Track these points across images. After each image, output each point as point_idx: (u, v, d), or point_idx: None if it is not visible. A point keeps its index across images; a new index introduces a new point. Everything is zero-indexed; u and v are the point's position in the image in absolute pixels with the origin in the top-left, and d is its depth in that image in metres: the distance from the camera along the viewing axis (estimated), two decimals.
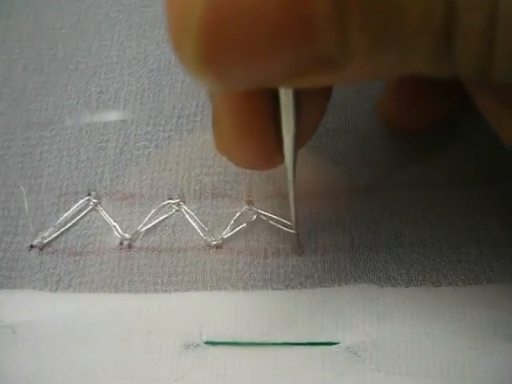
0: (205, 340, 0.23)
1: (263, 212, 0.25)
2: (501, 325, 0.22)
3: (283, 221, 0.25)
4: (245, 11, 0.12)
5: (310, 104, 0.19)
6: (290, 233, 0.24)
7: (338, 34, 0.13)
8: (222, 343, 0.23)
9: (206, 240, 0.25)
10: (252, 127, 0.19)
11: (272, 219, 0.25)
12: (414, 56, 0.14)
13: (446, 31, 0.13)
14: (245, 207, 0.25)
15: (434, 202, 0.25)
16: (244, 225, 0.25)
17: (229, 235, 0.25)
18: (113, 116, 0.27)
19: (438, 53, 0.14)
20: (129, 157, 0.27)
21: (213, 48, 0.13)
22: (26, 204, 0.26)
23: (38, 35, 0.30)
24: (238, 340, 0.23)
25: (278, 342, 0.22)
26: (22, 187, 0.27)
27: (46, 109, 0.28)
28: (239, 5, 0.12)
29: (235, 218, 0.25)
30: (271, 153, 0.20)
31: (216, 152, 0.24)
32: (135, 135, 0.27)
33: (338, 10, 0.13)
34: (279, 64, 0.14)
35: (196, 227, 0.25)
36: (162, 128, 0.27)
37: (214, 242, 0.25)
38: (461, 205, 0.25)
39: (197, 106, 0.27)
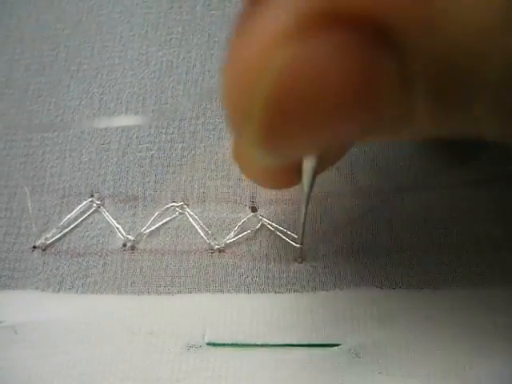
0: (207, 341, 0.23)
1: (268, 221, 0.25)
2: (501, 328, 0.22)
3: (288, 232, 0.25)
4: (312, 84, 0.12)
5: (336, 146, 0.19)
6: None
7: (403, 105, 0.13)
8: (223, 345, 0.23)
9: (209, 244, 0.25)
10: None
11: (277, 229, 0.25)
12: (481, 124, 0.14)
13: None
14: (249, 214, 0.25)
15: (434, 205, 0.25)
16: (248, 231, 0.25)
17: (232, 240, 0.25)
18: (129, 120, 0.27)
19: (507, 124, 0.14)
20: (131, 159, 0.27)
21: (276, 130, 0.13)
22: (29, 205, 0.26)
23: (39, 36, 0.30)
24: (239, 341, 0.23)
25: (280, 343, 0.23)
26: (25, 188, 0.27)
27: (49, 109, 0.28)
28: (307, 79, 0.12)
29: (240, 223, 0.25)
30: (288, 176, 0.20)
31: (228, 159, 0.25)
32: (137, 137, 0.27)
33: (406, 82, 0.13)
34: (340, 134, 0.14)
35: (199, 230, 0.25)
36: (164, 130, 0.27)
37: (217, 246, 0.25)
38: (461, 208, 0.25)
39: (198, 109, 0.27)
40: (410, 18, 0.11)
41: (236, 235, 0.25)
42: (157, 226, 0.25)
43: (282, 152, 0.14)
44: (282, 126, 0.13)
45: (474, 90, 0.13)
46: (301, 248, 0.24)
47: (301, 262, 0.24)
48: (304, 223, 0.22)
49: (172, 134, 0.27)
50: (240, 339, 0.23)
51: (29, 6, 0.31)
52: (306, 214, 0.21)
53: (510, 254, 0.23)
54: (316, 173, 0.19)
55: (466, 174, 0.25)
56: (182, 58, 0.28)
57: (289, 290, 0.24)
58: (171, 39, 0.29)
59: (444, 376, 0.21)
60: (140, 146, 0.27)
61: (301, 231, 0.23)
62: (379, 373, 0.22)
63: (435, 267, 0.24)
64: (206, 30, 0.29)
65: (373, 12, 0.11)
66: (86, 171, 0.27)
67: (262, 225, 0.25)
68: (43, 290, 0.24)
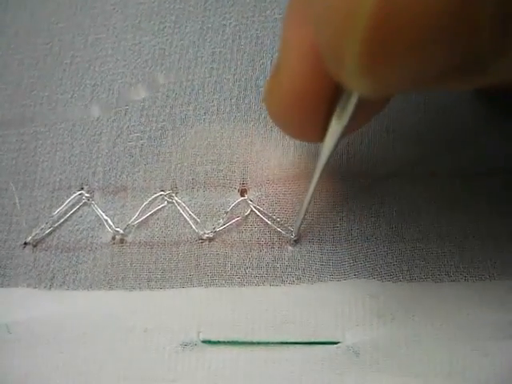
0: (202, 339, 0.22)
1: (257, 208, 0.24)
2: (503, 324, 0.21)
3: (277, 219, 0.24)
4: (414, 9, 0.12)
5: (369, 106, 0.19)
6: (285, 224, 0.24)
7: (498, 34, 0.13)
8: (219, 343, 0.22)
9: (198, 233, 0.24)
10: (312, 98, 0.18)
11: (266, 215, 0.24)
12: None
13: None
14: (238, 198, 0.25)
15: (436, 196, 0.24)
16: (238, 218, 0.25)
17: (222, 228, 0.24)
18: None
19: None
20: (122, 149, 0.26)
21: (379, 48, 0.13)
22: (16, 201, 0.26)
23: (34, 30, 0.30)
24: (235, 339, 0.22)
25: (277, 341, 0.22)
26: (11, 184, 0.26)
27: (41, 103, 0.28)
28: (410, 4, 0.12)
29: (228, 210, 0.25)
30: (315, 127, 0.19)
31: (219, 143, 0.25)
32: (128, 127, 0.27)
33: (503, 10, 0.13)
34: (437, 61, 0.14)
35: (188, 219, 0.25)
36: (155, 119, 0.27)
37: (207, 235, 0.24)
38: (463, 200, 0.24)
39: (190, 94, 0.27)
40: None
41: (226, 222, 0.24)
42: (145, 216, 0.25)
43: (379, 82, 0.14)
44: (383, 51, 0.13)
45: None
46: (295, 231, 0.24)
47: (294, 245, 0.24)
48: (310, 199, 0.22)
49: (163, 121, 0.27)
50: (235, 337, 0.22)
51: (23, 0, 0.31)
52: (314, 185, 0.21)
53: (511, 247, 0.23)
54: (344, 133, 0.18)
55: (467, 166, 0.24)
56: (174, 45, 0.28)
57: (284, 282, 0.23)
58: (164, 28, 0.29)
59: (444, 375, 0.21)
60: (131, 136, 0.27)
61: (304, 209, 0.22)
62: (378, 371, 0.21)
63: (437, 260, 0.23)
64: (200, 17, 0.29)
65: None
66: (77, 164, 0.27)
67: (252, 211, 0.25)
68: (35, 288, 0.24)
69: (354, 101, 0.17)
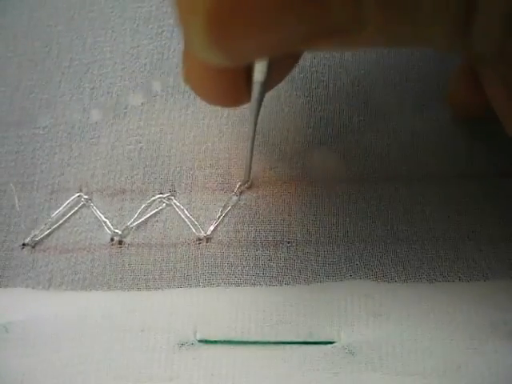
0: (198, 338, 0.22)
1: (255, 210, 0.25)
2: (498, 324, 0.22)
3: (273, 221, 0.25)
4: None
5: (283, 62, 0.20)
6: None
7: (353, 9, 0.14)
8: (215, 342, 0.22)
9: (195, 234, 0.25)
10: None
11: (262, 218, 0.25)
12: (427, 32, 0.15)
13: (464, 13, 0.14)
14: (236, 201, 0.25)
15: (431, 198, 0.24)
16: (234, 217, 0.25)
17: (217, 228, 0.25)
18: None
19: (453, 31, 0.14)
20: (121, 152, 0.27)
21: (223, 23, 0.14)
22: (16, 202, 0.26)
23: (32, 33, 0.30)
24: (232, 338, 0.22)
25: (274, 340, 0.22)
26: (11, 185, 0.26)
27: (40, 107, 0.28)
28: None
29: (224, 210, 0.25)
30: (238, 92, 0.20)
31: (217, 147, 0.25)
32: (127, 130, 0.27)
33: None
34: (290, 36, 0.14)
35: (186, 220, 0.25)
36: (153, 122, 0.27)
37: (204, 235, 0.25)
38: (458, 200, 0.24)
39: (188, 98, 0.27)
40: None
41: (220, 223, 0.25)
42: (143, 218, 0.25)
43: (231, 52, 0.15)
44: (229, 21, 0.14)
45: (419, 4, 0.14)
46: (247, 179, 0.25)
47: (249, 187, 0.25)
48: (251, 149, 0.23)
49: (162, 125, 0.27)
50: (232, 336, 0.22)
51: (21, 3, 0.31)
52: (253, 138, 0.22)
53: (506, 247, 0.23)
54: (265, 89, 0.19)
55: (462, 168, 0.25)
56: (173, 49, 0.28)
57: (280, 282, 0.23)
58: (162, 32, 0.29)
59: (440, 374, 0.21)
60: (129, 139, 0.27)
61: (249, 156, 0.23)
62: (374, 371, 0.21)
63: (432, 261, 0.23)
64: None
65: None
66: (76, 166, 0.27)
67: (246, 209, 0.25)
68: (33, 288, 0.24)
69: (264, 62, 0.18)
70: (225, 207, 0.25)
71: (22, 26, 0.30)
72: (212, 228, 0.25)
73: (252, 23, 0.14)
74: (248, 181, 0.25)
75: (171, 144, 0.26)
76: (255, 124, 0.22)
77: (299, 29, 0.14)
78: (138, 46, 0.29)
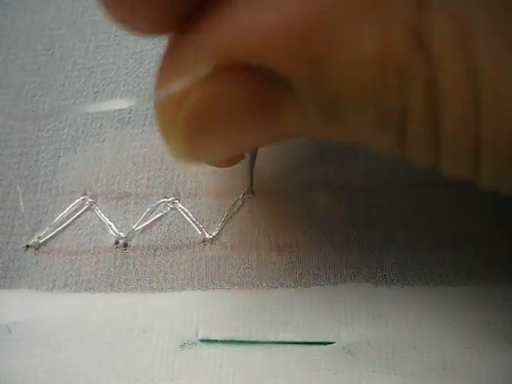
0: (200, 338, 0.23)
1: (258, 214, 0.25)
2: (496, 325, 0.22)
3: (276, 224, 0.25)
4: (219, 112, 0.16)
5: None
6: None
7: (299, 120, 0.17)
8: (217, 341, 0.23)
9: (200, 236, 0.25)
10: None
11: (266, 222, 0.25)
12: (362, 136, 0.17)
13: (399, 128, 0.16)
14: (240, 205, 0.26)
15: (429, 201, 0.25)
16: (239, 219, 0.25)
17: (222, 230, 0.25)
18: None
19: (387, 140, 0.16)
20: (125, 156, 0.27)
21: (195, 139, 0.17)
22: (21, 204, 0.26)
23: (34, 36, 0.30)
24: (233, 338, 0.23)
25: (274, 340, 0.22)
26: (17, 187, 0.27)
27: (43, 109, 0.28)
28: (216, 109, 0.16)
29: (229, 213, 0.25)
30: (232, 161, 0.24)
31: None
32: (131, 135, 0.27)
33: (297, 99, 0.16)
34: (242, 145, 0.19)
35: (191, 223, 0.25)
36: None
37: (209, 236, 0.25)
38: (456, 204, 0.24)
39: None
40: (295, 67, 0.15)
41: (224, 225, 0.25)
42: (148, 222, 0.25)
43: (203, 159, 0.20)
44: (199, 140, 0.17)
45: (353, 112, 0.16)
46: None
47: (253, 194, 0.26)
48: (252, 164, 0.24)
49: None
50: (233, 336, 0.23)
51: (24, 6, 0.31)
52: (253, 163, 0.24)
53: (505, 250, 0.23)
54: (255, 154, 0.23)
55: None
56: None
57: (282, 285, 0.24)
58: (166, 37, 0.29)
59: (438, 375, 0.21)
60: (134, 144, 0.27)
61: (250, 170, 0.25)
62: (373, 371, 0.21)
63: (430, 264, 0.23)
64: None
65: (264, 62, 0.15)
66: (80, 170, 0.27)
67: (250, 214, 0.25)
68: (37, 289, 0.24)
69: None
70: (229, 211, 0.25)
71: (25, 29, 0.31)
72: (217, 230, 0.25)
73: (216, 141, 0.17)
74: (252, 191, 0.25)
75: None
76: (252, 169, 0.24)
77: (250, 139, 0.18)
78: (141, 51, 0.29)
